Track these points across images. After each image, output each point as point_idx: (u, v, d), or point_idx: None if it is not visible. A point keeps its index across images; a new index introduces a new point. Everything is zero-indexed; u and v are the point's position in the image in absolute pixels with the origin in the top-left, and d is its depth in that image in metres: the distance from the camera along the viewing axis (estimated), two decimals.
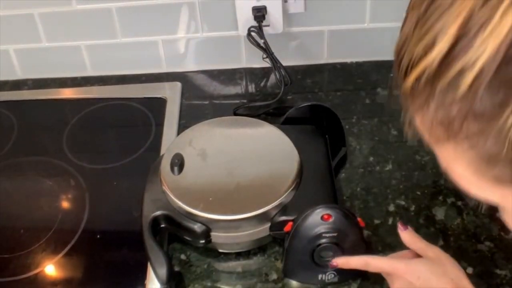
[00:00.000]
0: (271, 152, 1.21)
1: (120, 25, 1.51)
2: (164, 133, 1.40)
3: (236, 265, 1.16)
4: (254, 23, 1.45)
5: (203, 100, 1.53)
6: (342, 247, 1.07)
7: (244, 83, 1.58)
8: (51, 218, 1.23)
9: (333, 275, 1.11)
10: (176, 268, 1.14)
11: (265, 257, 1.17)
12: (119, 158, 1.35)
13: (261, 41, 1.46)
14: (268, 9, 1.44)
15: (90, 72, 1.60)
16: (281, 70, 1.48)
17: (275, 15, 1.46)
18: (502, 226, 1.20)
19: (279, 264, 1.14)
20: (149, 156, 1.32)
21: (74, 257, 1.16)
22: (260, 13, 1.44)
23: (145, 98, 1.51)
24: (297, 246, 1.08)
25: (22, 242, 1.19)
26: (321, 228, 1.05)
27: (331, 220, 1.05)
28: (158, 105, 1.48)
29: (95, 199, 1.26)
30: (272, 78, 1.56)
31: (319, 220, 1.05)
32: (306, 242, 1.07)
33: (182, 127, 1.40)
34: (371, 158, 1.36)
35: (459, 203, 1.26)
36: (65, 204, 1.27)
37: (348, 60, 1.63)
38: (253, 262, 1.16)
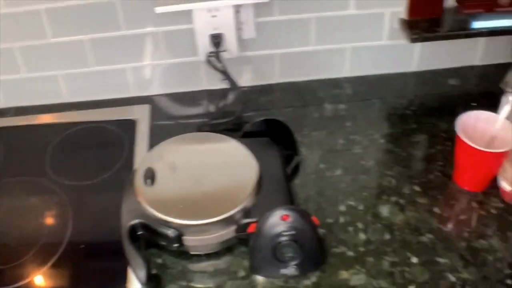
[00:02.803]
0: (232, 163, 1.23)
1: (92, 55, 1.52)
2: (136, 151, 1.41)
3: (208, 265, 1.17)
4: (212, 49, 1.46)
5: (169, 121, 1.54)
6: (300, 244, 1.10)
7: (205, 103, 1.59)
8: (38, 232, 1.23)
9: (293, 269, 1.12)
10: (154, 271, 1.15)
11: (233, 256, 1.18)
12: (97, 175, 1.35)
13: (219, 65, 1.47)
14: (224, 36, 1.45)
15: (66, 98, 1.60)
16: (238, 90, 1.50)
17: (230, 41, 1.47)
18: (441, 220, 1.25)
19: (246, 262, 1.16)
20: (124, 171, 1.33)
21: (61, 267, 1.16)
22: (217, 40, 1.45)
23: (117, 120, 1.51)
24: (260, 245, 1.10)
25: (13, 255, 1.18)
26: (281, 227, 1.08)
27: (289, 220, 1.08)
28: (130, 126, 1.49)
29: (78, 213, 1.26)
30: (231, 98, 1.57)
31: (279, 220, 1.08)
32: (269, 241, 1.09)
33: (152, 145, 1.39)
34: (322, 165, 1.38)
35: (401, 201, 1.29)
36: (50, 219, 1.27)
37: (298, 79, 1.65)
38: (222, 262, 1.17)
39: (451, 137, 1.30)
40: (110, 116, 1.52)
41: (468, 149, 1.23)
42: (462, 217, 1.27)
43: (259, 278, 1.14)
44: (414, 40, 1.51)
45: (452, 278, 1.14)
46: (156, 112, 1.55)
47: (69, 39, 1.49)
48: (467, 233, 1.22)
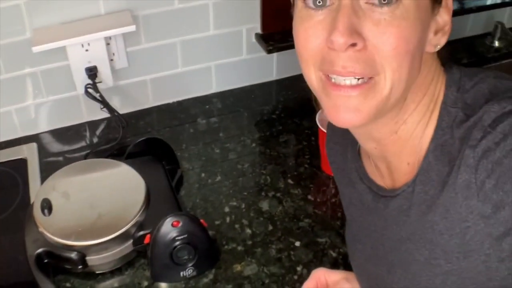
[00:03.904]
0: (120, 183, 1.28)
1: None
2: (31, 187, 1.40)
3: (113, 281, 1.19)
4: (89, 81, 1.48)
5: (57, 156, 1.53)
6: (194, 245, 1.15)
7: (89, 134, 1.60)
8: None
9: (191, 270, 1.18)
10: None
11: (134, 270, 1.21)
12: None
13: (97, 95, 1.50)
14: (98, 68, 1.48)
15: None
16: (117, 116, 1.53)
17: (105, 72, 1.50)
18: (315, 205, 1.35)
19: (147, 273, 1.19)
20: (22, 208, 1.32)
21: None
22: (92, 72, 1.47)
23: (8, 161, 1.50)
24: (158, 253, 1.15)
25: None
26: (173, 233, 1.13)
27: (180, 225, 1.13)
28: (21, 165, 1.48)
29: None
30: (111, 125, 1.59)
31: (170, 227, 1.13)
32: (164, 248, 1.14)
33: (44, 180, 1.37)
34: (203, 174, 1.45)
35: (278, 194, 1.38)
36: None
37: (170, 100, 1.71)
38: (126, 276, 1.20)
39: (315, 132, 1.40)
40: (1, 158, 1.51)
41: None
42: (333, 199, 1.37)
43: (162, 285, 1.18)
44: (270, 51, 1.61)
45: (333, 254, 1.23)
46: (44, 149, 1.55)
47: None
48: (340, 213, 1.32)
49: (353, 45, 0.66)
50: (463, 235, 0.72)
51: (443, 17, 0.72)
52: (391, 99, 0.71)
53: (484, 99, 0.72)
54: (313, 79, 0.74)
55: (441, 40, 0.73)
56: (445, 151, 0.74)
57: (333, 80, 0.71)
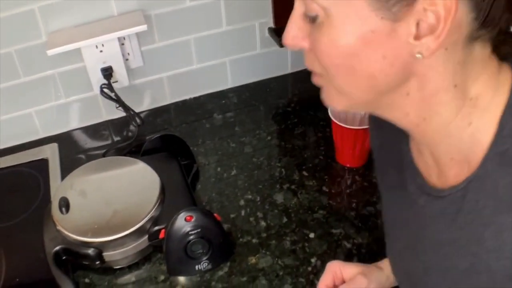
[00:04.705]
0: (136, 179, 1.28)
1: None
2: (51, 186, 1.42)
3: (130, 276, 1.20)
4: (105, 81, 1.49)
5: (78, 154, 1.54)
6: (207, 239, 1.15)
7: (108, 132, 1.61)
8: None
9: (206, 264, 1.18)
10: None
11: (151, 264, 1.22)
12: (19, 214, 1.36)
13: (112, 94, 1.50)
14: (114, 67, 1.49)
15: None
16: (133, 115, 1.54)
17: (120, 72, 1.51)
18: (330, 196, 1.33)
19: (164, 267, 1.20)
20: (43, 207, 1.32)
21: None
22: (107, 72, 1.48)
23: (30, 161, 1.52)
24: (172, 247, 1.15)
25: None
26: (187, 228, 1.13)
27: (193, 219, 1.13)
28: (42, 165, 1.50)
29: (9, 250, 1.27)
30: (129, 124, 1.60)
31: (184, 222, 1.13)
32: (178, 242, 1.14)
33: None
34: (219, 169, 1.44)
35: (293, 187, 1.37)
36: None
37: (187, 97, 1.71)
38: (143, 271, 1.21)
39: (329, 124, 1.39)
40: (23, 159, 1.53)
41: (342, 130, 1.32)
42: (348, 190, 1.36)
43: (178, 278, 1.18)
44: (283, 45, 1.58)
45: (348, 245, 1.22)
46: (65, 148, 1.56)
47: None
48: (355, 204, 1.31)
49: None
50: None
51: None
52: (360, 98, 0.70)
53: None
54: None
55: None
56: (505, 161, 0.67)
57: None
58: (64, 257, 1.17)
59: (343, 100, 0.70)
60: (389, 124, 0.77)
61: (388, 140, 0.92)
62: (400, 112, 0.71)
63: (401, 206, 0.89)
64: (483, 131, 0.69)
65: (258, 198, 1.35)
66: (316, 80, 0.72)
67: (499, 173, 0.67)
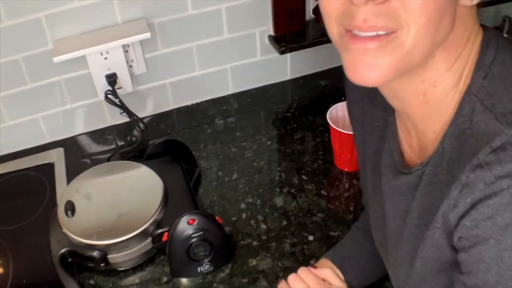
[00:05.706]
0: (139, 183, 1.28)
1: (5, 111, 1.51)
2: (57, 190, 1.42)
3: (134, 278, 1.20)
4: (109, 88, 1.49)
5: (83, 158, 1.55)
6: (209, 242, 1.16)
7: (112, 137, 1.62)
8: None
9: (208, 266, 1.18)
10: None
11: (155, 266, 1.22)
12: (26, 217, 1.36)
13: (116, 100, 1.51)
14: (118, 74, 1.49)
15: None
16: (137, 120, 1.54)
17: (124, 78, 1.51)
18: (328, 200, 1.33)
19: (167, 268, 1.20)
20: (49, 210, 1.32)
21: None
22: (112, 79, 1.48)
23: (36, 166, 1.52)
24: (175, 250, 1.16)
25: None
26: (189, 231, 1.14)
27: (195, 223, 1.14)
28: (48, 169, 1.51)
29: (16, 252, 1.28)
30: (133, 129, 1.60)
31: (186, 225, 1.14)
32: (181, 245, 1.15)
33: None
34: (220, 173, 1.45)
35: (292, 190, 1.37)
36: None
37: (189, 102, 1.71)
38: (146, 273, 1.21)
39: (327, 129, 1.39)
40: (29, 164, 1.53)
41: (340, 135, 1.33)
42: (346, 194, 1.36)
43: (181, 280, 1.19)
44: (282, 52, 1.60)
45: None
46: (70, 153, 1.56)
47: None
48: (353, 207, 1.32)
49: None
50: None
51: None
52: (413, 57, 0.65)
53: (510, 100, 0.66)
54: (334, 34, 0.69)
55: None
56: (461, 141, 0.68)
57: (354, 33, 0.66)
58: (69, 259, 1.18)
59: (393, 62, 0.65)
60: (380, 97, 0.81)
61: (373, 112, 0.93)
62: (417, 78, 0.71)
63: (378, 176, 0.90)
64: (450, 106, 0.71)
65: (259, 202, 1.35)
66: (370, 43, 0.64)
67: (454, 152, 0.69)
